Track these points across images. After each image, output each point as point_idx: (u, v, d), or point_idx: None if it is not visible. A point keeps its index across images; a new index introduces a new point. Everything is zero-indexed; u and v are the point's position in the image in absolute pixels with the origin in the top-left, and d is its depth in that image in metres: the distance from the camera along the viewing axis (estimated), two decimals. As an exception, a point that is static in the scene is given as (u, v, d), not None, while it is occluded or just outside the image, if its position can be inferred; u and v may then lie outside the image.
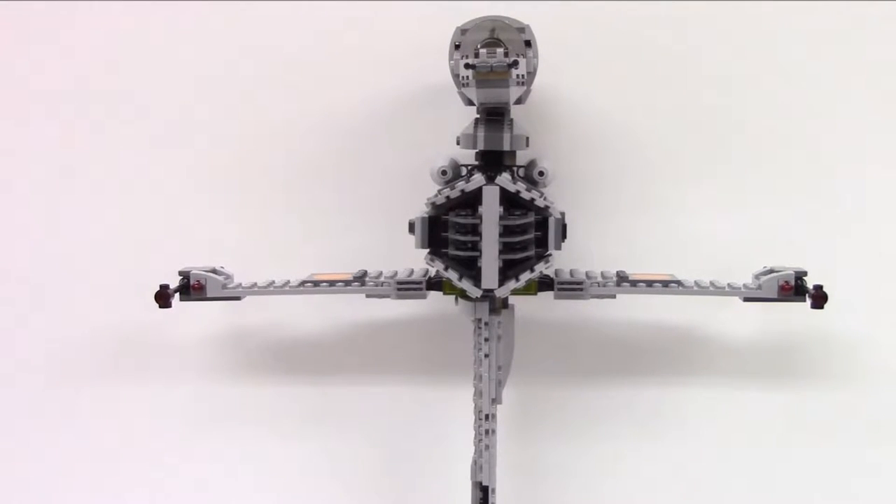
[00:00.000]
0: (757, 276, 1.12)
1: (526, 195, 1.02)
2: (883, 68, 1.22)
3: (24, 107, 1.26)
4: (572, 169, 1.22)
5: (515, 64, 0.96)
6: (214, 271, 1.12)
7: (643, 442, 1.28)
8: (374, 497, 1.29)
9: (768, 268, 1.12)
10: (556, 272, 1.12)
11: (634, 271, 1.13)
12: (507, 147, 1.05)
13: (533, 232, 1.04)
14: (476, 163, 1.07)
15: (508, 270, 1.04)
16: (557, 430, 1.27)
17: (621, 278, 1.11)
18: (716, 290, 1.10)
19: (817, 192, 1.24)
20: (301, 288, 1.12)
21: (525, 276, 1.04)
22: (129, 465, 1.30)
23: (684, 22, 1.22)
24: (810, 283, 1.09)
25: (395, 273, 1.13)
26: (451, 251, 1.04)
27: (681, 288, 1.11)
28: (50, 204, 1.28)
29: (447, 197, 1.03)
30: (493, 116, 1.06)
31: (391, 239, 1.17)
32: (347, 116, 1.24)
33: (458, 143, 1.07)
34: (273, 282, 1.13)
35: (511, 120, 1.06)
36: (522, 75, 0.98)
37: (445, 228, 1.04)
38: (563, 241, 1.05)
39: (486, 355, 1.08)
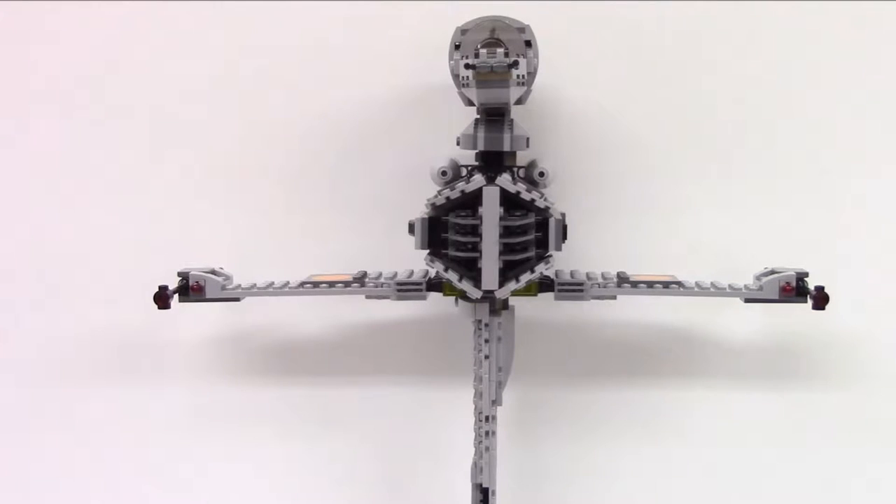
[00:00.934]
0: (758, 277, 1.11)
1: (526, 196, 1.02)
2: (883, 68, 1.22)
3: (23, 107, 1.26)
4: (573, 170, 1.22)
5: (516, 64, 0.95)
6: (214, 272, 1.12)
7: (644, 443, 1.27)
8: (373, 498, 1.28)
9: (769, 269, 1.12)
10: (557, 273, 1.12)
11: (635, 272, 1.13)
12: (507, 148, 1.05)
13: (533, 233, 1.03)
14: (476, 163, 1.07)
15: (509, 271, 1.03)
16: (558, 432, 1.27)
17: (622, 279, 1.11)
18: (717, 291, 1.10)
19: (818, 192, 1.24)
20: (300, 289, 1.11)
21: (525, 277, 1.04)
22: (128, 466, 1.30)
23: (685, 22, 1.22)
24: (812, 284, 1.09)
25: (395, 274, 1.13)
26: (451, 252, 1.04)
27: (682, 289, 1.10)
28: (49, 204, 1.27)
29: (447, 198, 1.02)
30: (494, 117, 1.05)
31: (391, 240, 1.16)
32: (347, 117, 1.24)
33: (458, 144, 1.07)
34: (272, 283, 1.13)
35: (511, 120, 1.06)
36: (523, 75, 0.97)
37: (445, 229, 1.03)
38: (564, 242, 1.04)
39: (487, 356, 1.07)
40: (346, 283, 1.11)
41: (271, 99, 1.25)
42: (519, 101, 1.08)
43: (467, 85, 0.98)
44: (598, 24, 1.22)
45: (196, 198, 1.26)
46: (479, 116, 1.07)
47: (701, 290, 1.10)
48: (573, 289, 1.10)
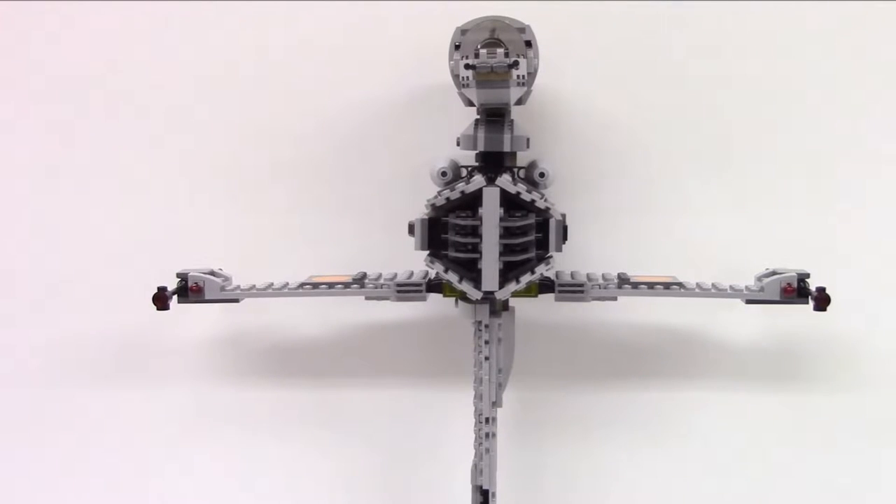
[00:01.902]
0: (759, 278, 1.11)
1: (526, 196, 1.02)
2: (884, 68, 1.22)
3: (23, 107, 1.26)
4: (573, 170, 1.22)
5: (516, 64, 0.95)
6: (213, 273, 1.12)
7: (645, 445, 1.27)
8: (373, 500, 1.28)
9: (771, 269, 1.12)
10: (557, 274, 1.12)
11: (636, 273, 1.13)
12: (507, 148, 1.04)
13: (533, 234, 1.03)
14: (476, 164, 1.07)
15: (509, 272, 1.03)
16: (558, 434, 1.27)
17: (622, 280, 1.11)
18: (718, 292, 1.10)
19: (820, 192, 1.24)
20: (300, 290, 1.11)
21: (526, 278, 1.03)
22: (127, 467, 1.30)
23: (685, 22, 1.22)
24: (813, 284, 1.08)
25: (395, 275, 1.13)
26: (451, 253, 1.03)
27: (682, 290, 1.10)
28: (48, 205, 1.27)
29: (447, 198, 1.02)
30: (494, 117, 1.05)
31: (391, 241, 1.16)
32: (347, 117, 1.24)
33: (458, 144, 1.07)
34: (272, 284, 1.12)
35: (511, 121, 1.06)
36: (523, 76, 0.97)
37: (445, 230, 1.03)
38: (564, 243, 1.04)
39: (487, 358, 1.07)
40: (346, 285, 1.11)
41: (271, 99, 1.25)
42: (519, 102, 1.08)
43: (467, 85, 0.97)
44: (598, 24, 1.22)
45: (195, 198, 1.26)
46: (479, 117, 1.06)
47: (702, 292, 1.10)
48: (574, 290, 1.10)
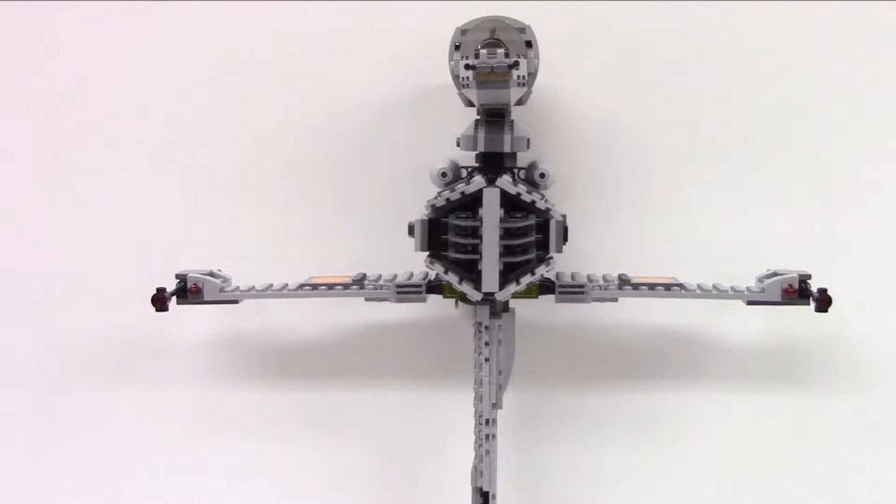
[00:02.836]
0: (760, 280, 1.11)
1: (527, 197, 1.02)
2: (884, 69, 1.22)
3: (22, 107, 1.26)
4: (574, 171, 1.22)
5: (516, 65, 0.95)
6: (212, 274, 1.12)
7: (645, 446, 1.27)
8: (373, 502, 1.28)
9: (772, 271, 1.12)
10: (558, 275, 1.12)
11: (636, 274, 1.13)
12: (507, 149, 1.04)
13: (534, 234, 1.03)
14: (476, 165, 1.07)
15: (509, 273, 1.03)
16: (558, 435, 1.27)
17: (623, 281, 1.11)
18: (719, 293, 1.10)
19: (821, 193, 1.23)
20: (299, 291, 1.11)
21: (526, 279, 1.03)
22: (126, 469, 1.30)
23: (685, 23, 1.22)
24: (814, 286, 1.08)
25: (395, 276, 1.13)
26: (451, 254, 1.03)
27: (683, 291, 1.10)
28: (47, 206, 1.27)
29: (447, 199, 1.02)
30: (494, 118, 1.05)
31: (390, 242, 1.16)
32: (346, 117, 1.24)
33: (458, 145, 1.06)
34: (271, 285, 1.12)
35: (512, 121, 1.06)
36: (523, 76, 0.97)
37: (445, 231, 1.03)
38: (565, 244, 1.04)
39: (487, 359, 1.07)
40: (346, 286, 1.11)
41: (271, 100, 1.24)
42: (519, 102, 1.08)
43: (467, 86, 0.97)
44: (598, 25, 1.21)
45: (194, 199, 1.26)
46: (479, 117, 1.06)
47: (703, 293, 1.10)
48: (574, 291, 1.09)
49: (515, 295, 1.04)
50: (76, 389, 1.28)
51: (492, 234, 1.01)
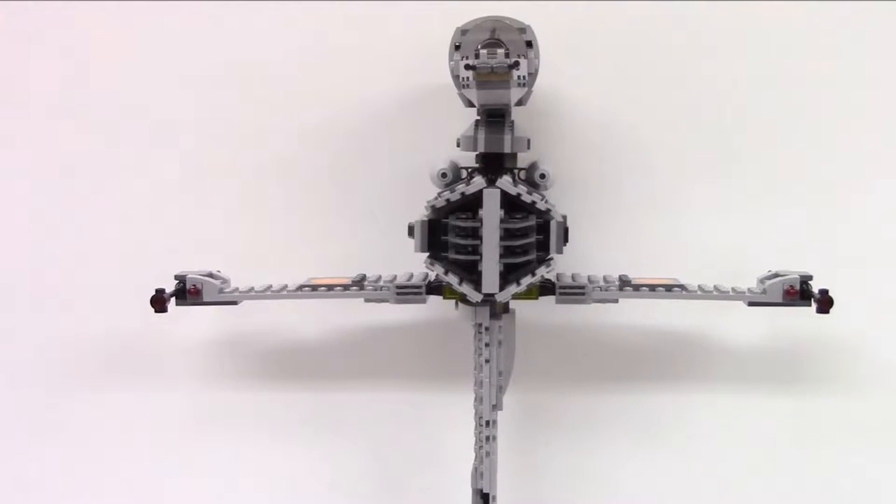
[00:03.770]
0: (761, 281, 1.11)
1: (527, 198, 1.01)
2: (885, 69, 1.22)
3: (22, 108, 1.26)
4: (574, 171, 1.21)
5: (516, 65, 0.95)
6: (211, 275, 1.11)
7: (646, 448, 1.27)
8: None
9: (773, 272, 1.11)
10: (558, 276, 1.11)
11: (637, 275, 1.13)
12: (507, 149, 1.04)
13: (534, 235, 1.03)
14: (476, 165, 1.07)
15: (509, 274, 1.03)
16: (559, 437, 1.27)
17: (624, 283, 1.10)
18: (720, 294, 1.10)
19: (823, 194, 1.23)
20: (299, 292, 1.11)
21: (526, 281, 1.03)
22: (125, 470, 1.29)
23: (686, 23, 1.22)
24: (816, 287, 1.08)
25: (395, 277, 1.13)
26: (452, 255, 1.03)
27: (684, 292, 1.10)
28: (46, 207, 1.27)
29: (447, 200, 1.02)
30: (494, 118, 1.05)
31: (390, 242, 1.16)
32: (346, 118, 1.23)
33: (458, 146, 1.06)
34: (270, 286, 1.12)
35: (512, 122, 1.05)
36: (523, 76, 0.97)
37: (445, 232, 1.03)
38: (565, 245, 1.04)
39: (487, 360, 1.07)
40: (345, 287, 1.10)
41: (270, 100, 1.24)
42: (520, 103, 1.07)
43: (467, 86, 0.97)
44: (599, 25, 1.21)
45: (193, 200, 1.26)
46: (479, 118, 1.06)
47: (704, 294, 1.09)
48: (574, 292, 1.09)
49: (516, 296, 1.04)
50: (75, 390, 1.28)
51: (492, 235, 1.01)
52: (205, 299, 1.10)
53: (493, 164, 1.04)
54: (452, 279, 1.03)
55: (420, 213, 1.03)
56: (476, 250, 1.02)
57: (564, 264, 1.14)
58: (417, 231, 1.03)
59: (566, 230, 1.03)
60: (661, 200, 1.23)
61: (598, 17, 1.21)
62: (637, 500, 1.28)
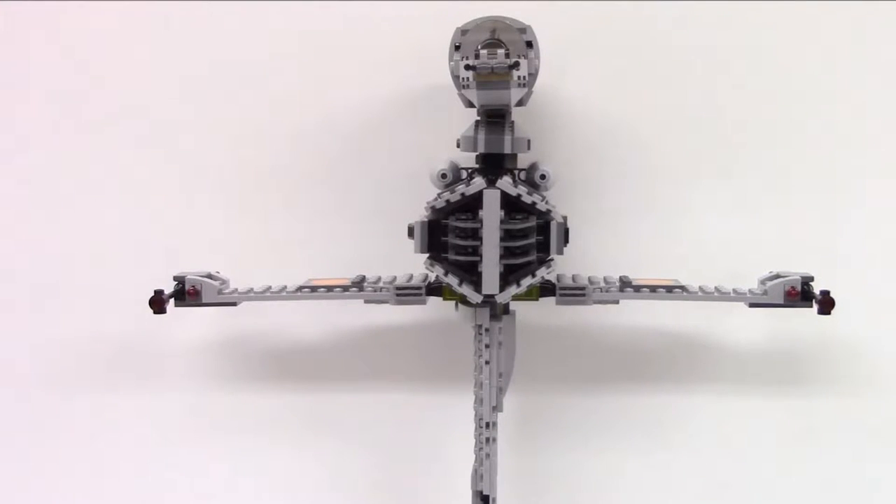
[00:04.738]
0: (763, 282, 1.11)
1: (527, 199, 1.01)
2: (885, 69, 1.22)
3: (22, 108, 1.26)
4: (574, 172, 1.21)
5: (516, 65, 0.94)
6: (210, 276, 1.11)
7: (647, 450, 1.27)
8: (373, 505, 1.28)
9: (774, 273, 1.11)
10: (558, 277, 1.11)
11: (638, 276, 1.12)
12: (508, 150, 1.04)
13: (534, 236, 1.02)
14: (476, 166, 1.06)
15: (509, 275, 1.02)
16: (559, 438, 1.27)
17: (624, 284, 1.10)
18: (721, 295, 1.09)
19: (824, 194, 1.23)
20: (298, 293, 1.10)
21: (526, 282, 1.03)
22: (125, 470, 1.29)
23: (686, 23, 1.21)
24: (817, 288, 1.08)
25: (394, 278, 1.13)
26: (452, 256, 1.03)
27: (685, 293, 1.09)
28: (46, 208, 1.27)
29: (447, 201, 1.02)
30: (494, 119, 1.04)
31: (390, 243, 1.16)
32: (346, 118, 1.23)
33: (458, 146, 1.06)
34: (270, 287, 1.12)
35: (512, 122, 1.05)
36: (523, 77, 0.97)
37: (445, 233, 1.02)
38: (566, 246, 1.03)
39: (487, 362, 1.06)
40: (345, 288, 1.10)
41: (270, 100, 1.24)
42: (520, 103, 1.07)
43: (467, 86, 0.97)
44: (600, 25, 1.21)
45: (193, 201, 1.26)
46: (479, 118, 1.06)
47: (705, 295, 1.09)
48: (575, 293, 1.09)
49: (516, 297, 1.04)
50: (74, 391, 1.28)
51: (492, 235, 1.01)
52: (204, 300, 1.10)
53: (494, 164, 1.04)
54: (452, 280, 1.03)
55: (420, 214, 1.03)
56: (476, 251, 1.01)
57: (565, 265, 1.14)
58: (417, 232, 1.02)
59: (566, 231, 1.03)
60: (661, 201, 1.23)
61: (598, 18, 1.21)
62: (637, 501, 1.27)
